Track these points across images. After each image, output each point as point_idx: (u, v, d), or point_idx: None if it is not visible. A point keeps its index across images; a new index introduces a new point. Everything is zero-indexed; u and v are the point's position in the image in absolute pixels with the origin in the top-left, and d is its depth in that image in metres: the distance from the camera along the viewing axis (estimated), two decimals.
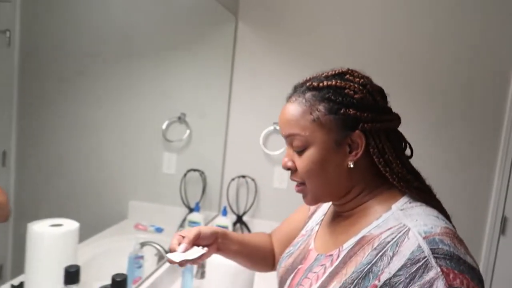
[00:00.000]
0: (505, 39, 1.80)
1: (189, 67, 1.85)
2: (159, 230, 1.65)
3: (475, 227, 1.88)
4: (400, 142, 0.74)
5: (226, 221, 1.95)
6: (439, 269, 0.56)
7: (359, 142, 0.68)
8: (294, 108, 0.70)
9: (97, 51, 1.28)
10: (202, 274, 1.56)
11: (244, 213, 2.06)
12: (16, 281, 0.98)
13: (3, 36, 0.88)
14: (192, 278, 1.41)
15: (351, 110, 0.67)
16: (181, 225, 1.86)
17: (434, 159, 1.87)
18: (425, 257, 0.58)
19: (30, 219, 0.96)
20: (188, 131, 1.85)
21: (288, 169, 0.73)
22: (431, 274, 0.56)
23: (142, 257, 1.34)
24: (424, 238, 0.60)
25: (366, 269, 0.63)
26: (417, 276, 0.57)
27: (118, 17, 1.41)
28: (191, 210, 1.89)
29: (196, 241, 0.80)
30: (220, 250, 0.88)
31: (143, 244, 1.36)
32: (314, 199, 0.74)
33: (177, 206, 1.87)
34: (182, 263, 0.75)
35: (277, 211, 2.01)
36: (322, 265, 0.72)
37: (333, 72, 0.71)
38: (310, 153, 0.69)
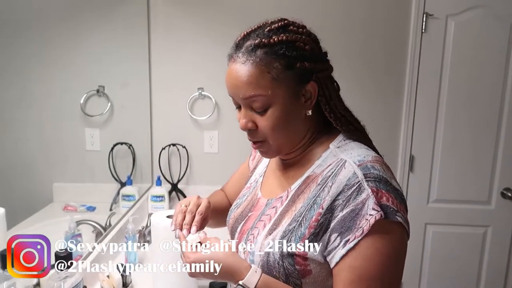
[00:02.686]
0: None
1: (102, 38, 1.72)
2: (91, 208, 1.60)
3: (389, 165, 2.09)
4: (335, 85, 0.78)
5: (162, 191, 1.94)
6: (369, 190, 0.64)
7: (312, 91, 0.71)
8: (249, 69, 0.68)
9: (4, 16, 1.14)
10: (145, 244, 1.57)
11: (179, 181, 2.06)
12: None
13: None
14: (135, 248, 1.41)
15: (306, 63, 0.69)
16: (115, 201, 1.82)
17: (352, 108, 2.02)
18: (359, 181, 0.66)
19: None
20: (109, 104, 1.76)
21: (248, 130, 0.73)
22: (363, 195, 0.64)
23: (79, 235, 1.30)
24: (358, 165, 0.68)
25: (311, 202, 0.70)
26: (352, 198, 0.65)
27: None
28: (123, 185, 1.84)
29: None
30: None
31: (78, 223, 1.31)
32: (276, 152, 0.77)
33: (107, 183, 1.81)
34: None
35: (211, 176, 2.04)
36: (273, 207, 0.78)
37: (277, 26, 0.70)
38: (273, 111, 0.70)
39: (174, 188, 2.06)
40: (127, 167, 1.89)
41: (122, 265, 1.29)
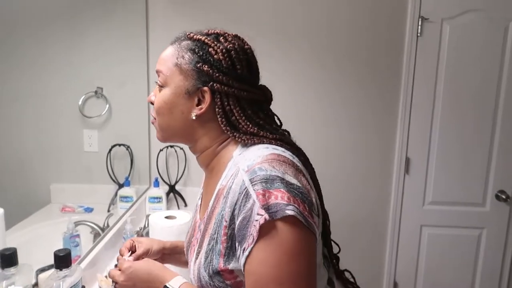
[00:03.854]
0: None
1: (101, 39, 1.73)
2: (88, 210, 1.60)
3: (385, 167, 2.11)
4: (259, 114, 0.77)
5: (159, 192, 1.94)
6: (255, 195, 0.63)
7: (206, 97, 0.73)
8: (169, 50, 0.76)
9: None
10: None
11: (176, 182, 2.07)
12: None
13: None
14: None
15: (205, 66, 0.72)
16: (113, 202, 1.82)
17: (350, 111, 2.05)
18: (245, 188, 0.65)
19: None
20: (107, 106, 1.77)
21: (151, 103, 0.80)
22: (250, 201, 0.64)
23: (78, 235, 1.30)
24: (246, 172, 0.66)
25: (220, 216, 0.71)
26: (242, 205, 0.65)
27: None
28: (120, 186, 1.85)
29: (142, 256, 0.89)
30: (165, 261, 0.94)
31: (76, 224, 1.32)
32: (160, 135, 0.81)
33: (105, 184, 1.82)
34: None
35: (196, 178, 2.04)
36: (199, 229, 0.79)
37: (213, 31, 0.77)
38: (164, 92, 0.76)
39: (172, 189, 2.07)
40: (125, 168, 1.90)
41: None
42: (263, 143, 0.73)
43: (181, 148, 2.05)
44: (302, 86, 2.03)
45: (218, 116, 0.73)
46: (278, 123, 0.82)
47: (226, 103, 0.72)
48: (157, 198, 1.94)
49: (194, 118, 0.74)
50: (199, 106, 0.74)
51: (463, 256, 2.15)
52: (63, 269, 0.85)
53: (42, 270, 1.03)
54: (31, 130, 1.35)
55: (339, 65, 2.02)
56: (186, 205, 2.08)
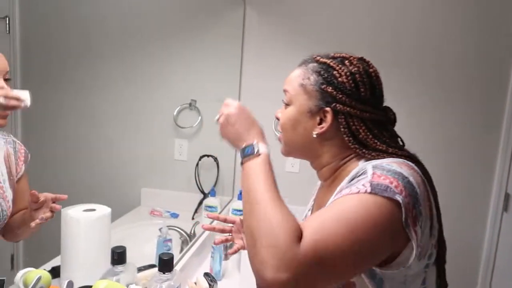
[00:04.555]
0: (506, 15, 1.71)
1: (198, 54, 1.82)
2: (174, 215, 1.67)
3: (480, 204, 1.86)
4: (384, 133, 0.78)
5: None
6: (371, 173, 0.64)
7: (328, 117, 0.75)
8: (297, 72, 0.81)
9: (105, 38, 1.27)
10: (226, 256, 1.57)
11: None
12: (47, 266, 0.99)
13: (2, 23, 0.87)
14: (221, 260, 1.42)
15: (329, 88, 0.74)
16: (196, 211, 1.87)
17: (441, 139, 1.85)
18: (366, 169, 0.67)
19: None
20: (199, 118, 1.84)
21: (277, 119, 0.86)
22: (363, 176, 0.65)
23: (170, 240, 1.34)
24: (372, 166, 0.67)
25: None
26: (355, 179, 0.67)
27: (126, 2, 1.39)
28: (205, 195, 1.89)
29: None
30: None
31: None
32: (284, 149, 0.86)
33: (190, 192, 1.87)
34: None
35: (289, 194, 1.97)
36: None
37: (339, 55, 0.79)
38: (289, 110, 0.80)
39: None
40: (210, 179, 1.94)
41: (208, 274, 1.30)
42: (393, 158, 0.73)
43: None
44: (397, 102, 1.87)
45: (345, 136, 0.75)
46: (401, 144, 0.82)
47: (351, 123, 0.75)
48: (240, 210, 1.94)
49: (315, 136, 0.77)
50: (321, 125, 0.76)
51: None
52: (166, 273, 0.87)
53: (139, 269, 1.06)
54: (129, 141, 1.46)
55: (443, 82, 1.83)
56: None
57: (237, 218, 1.05)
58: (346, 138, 0.75)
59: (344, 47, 0.82)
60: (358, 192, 0.62)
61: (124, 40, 1.38)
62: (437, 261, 0.74)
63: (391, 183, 0.62)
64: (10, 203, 0.89)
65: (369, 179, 0.63)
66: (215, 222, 1.13)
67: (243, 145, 0.76)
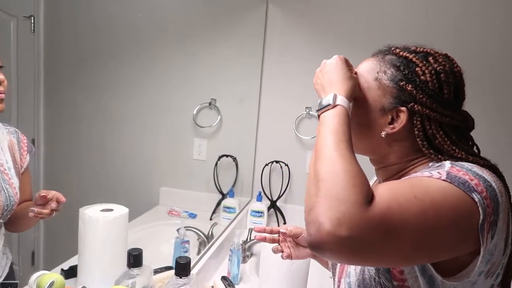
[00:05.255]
0: None
1: (219, 53, 1.82)
2: (192, 215, 1.66)
3: None
4: (462, 140, 0.70)
5: (261, 206, 1.92)
6: (448, 166, 0.60)
7: (401, 117, 0.68)
8: (370, 63, 0.73)
9: (126, 38, 1.27)
10: (244, 259, 1.55)
11: (278, 198, 2.03)
12: (65, 265, 0.99)
13: (27, 22, 0.88)
14: (239, 262, 1.40)
15: (409, 86, 0.67)
16: (214, 211, 1.87)
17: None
18: (442, 162, 0.63)
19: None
20: (219, 117, 1.83)
21: None
22: (441, 166, 0.61)
23: (188, 241, 1.33)
24: (450, 162, 0.63)
25: None
26: (430, 168, 0.63)
27: (148, 2, 1.39)
28: (223, 196, 1.88)
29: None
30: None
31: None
32: None
33: (208, 192, 1.87)
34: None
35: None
36: None
37: (422, 49, 0.72)
38: (358, 102, 0.72)
39: (273, 205, 2.03)
40: (229, 179, 1.93)
41: (226, 278, 1.29)
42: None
43: (286, 165, 2.01)
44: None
45: (418, 139, 0.68)
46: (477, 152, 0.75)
47: (428, 126, 0.68)
48: (259, 212, 1.92)
49: (383, 136, 0.70)
50: (391, 125, 0.70)
51: None
52: (183, 277, 0.85)
53: (155, 271, 1.06)
54: (149, 140, 1.46)
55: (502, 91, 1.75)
56: (285, 222, 2.02)
57: (283, 228, 0.98)
58: (420, 142, 0.68)
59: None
60: (431, 177, 0.57)
61: (148, 40, 1.39)
62: (502, 284, 0.67)
63: (471, 180, 0.57)
64: (17, 190, 0.88)
65: (446, 169, 0.58)
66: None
67: (323, 96, 0.69)
